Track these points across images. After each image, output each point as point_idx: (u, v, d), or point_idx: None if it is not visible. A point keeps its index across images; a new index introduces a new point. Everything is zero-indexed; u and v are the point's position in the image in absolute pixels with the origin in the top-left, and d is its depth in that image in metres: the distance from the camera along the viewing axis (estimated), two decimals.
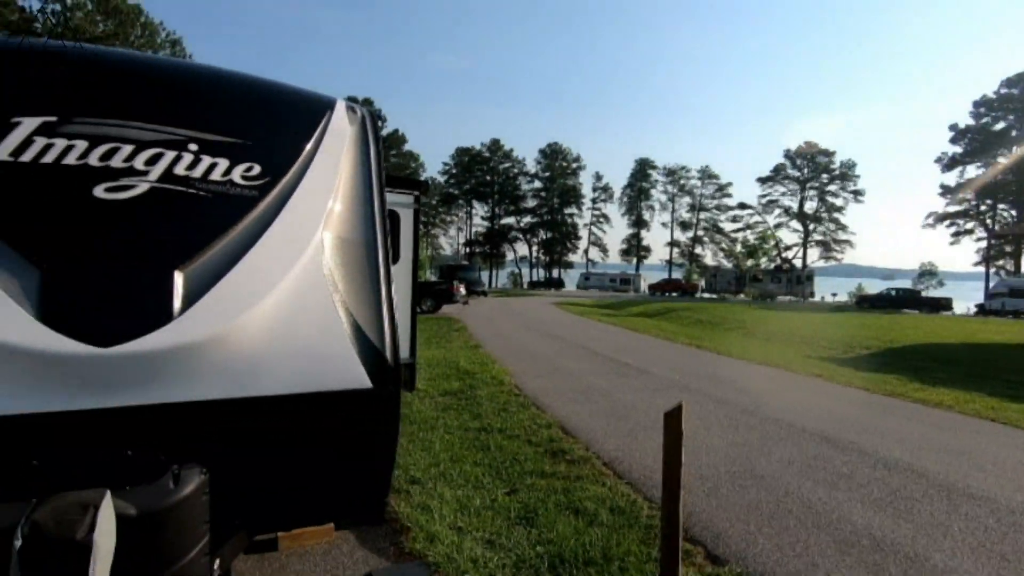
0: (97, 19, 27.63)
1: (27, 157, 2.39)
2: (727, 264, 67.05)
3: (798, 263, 67.92)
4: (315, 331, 2.69)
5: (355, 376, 2.73)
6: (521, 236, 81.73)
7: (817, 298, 54.93)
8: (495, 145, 78.95)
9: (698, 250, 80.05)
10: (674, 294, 58.09)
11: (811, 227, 71.47)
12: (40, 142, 2.42)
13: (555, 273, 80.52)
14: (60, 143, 2.45)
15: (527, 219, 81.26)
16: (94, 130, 2.53)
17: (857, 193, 70.17)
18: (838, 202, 70.89)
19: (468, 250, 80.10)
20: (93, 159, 2.47)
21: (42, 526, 1.63)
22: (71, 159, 2.44)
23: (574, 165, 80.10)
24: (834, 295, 55.95)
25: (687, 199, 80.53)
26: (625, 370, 10.20)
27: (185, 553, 2.06)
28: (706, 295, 57.89)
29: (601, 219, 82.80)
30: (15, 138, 2.39)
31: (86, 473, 2.00)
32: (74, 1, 26.66)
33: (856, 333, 18.54)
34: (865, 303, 41.81)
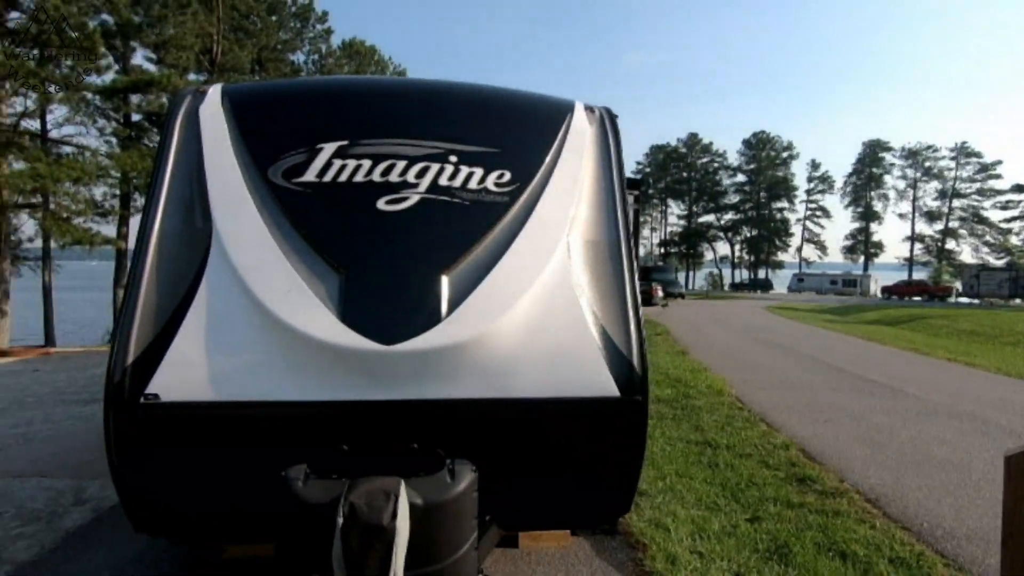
0: (343, 62, 32.86)
1: (328, 177, 2.74)
2: (995, 262, 54.13)
3: None
4: (563, 336, 2.65)
5: (603, 384, 2.62)
6: (721, 234, 76.24)
7: None
8: (692, 139, 74.91)
9: (950, 245, 66.06)
10: (917, 298, 48.54)
11: None
12: (337, 163, 2.77)
13: (761, 274, 73.41)
14: (351, 163, 2.77)
15: (728, 216, 75.31)
16: (375, 150, 2.82)
17: None
18: None
19: (663, 251, 77.35)
20: (376, 175, 2.75)
21: (357, 509, 1.81)
22: (360, 176, 2.75)
23: (784, 155, 72.09)
24: None
25: (934, 184, 66.86)
26: (871, 388, 8.68)
27: (459, 545, 2.16)
28: (963, 300, 47.33)
29: (818, 213, 73.17)
30: (320, 161, 2.77)
31: (382, 461, 2.20)
32: (328, 49, 32.06)
33: None
34: None
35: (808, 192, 72.94)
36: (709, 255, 77.58)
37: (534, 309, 2.64)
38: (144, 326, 2.50)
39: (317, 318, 2.45)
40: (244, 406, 2.44)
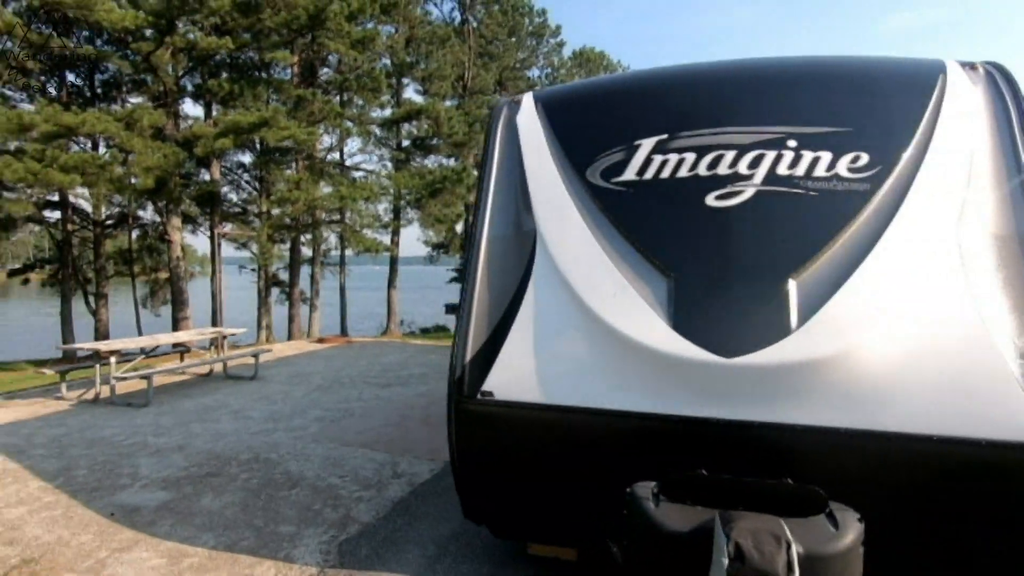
0: (574, 71, 33.89)
1: (648, 174, 2.58)
2: None
3: None
4: (958, 359, 2.05)
5: (1021, 424, 1.96)
6: None
7: None
8: None
9: None
10: None
11: None
12: (657, 159, 2.59)
13: None
14: (673, 158, 2.56)
15: None
16: (699, 141, 2.56)
17: None
18: None
19: None
20: (702, 169, 2.50)
21: (744, 551, 1.57)
22: (683, 171, 2.52)
23: None
24: None
25: None
26: None
27: None
28: None
29: None
30: (638, 158, 2.62)
31: (745, 493, 1.94)
32: (560, 61, 33.41)
33: None
34: None
35: None
36: None
37: (914, 323, 2.11)
38: (479, 326, 2.64)
39: (647, 324, 2.30)
40: (570, 411, 2.40)
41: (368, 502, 4.03)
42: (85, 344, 7.15)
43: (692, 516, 1.81)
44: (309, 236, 20.24)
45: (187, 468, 4.63)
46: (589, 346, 2.41)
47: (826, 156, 2.39)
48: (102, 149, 16.71)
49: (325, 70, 20.69)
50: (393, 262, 23.50)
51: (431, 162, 24.47)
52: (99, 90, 18.48)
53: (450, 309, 10.54)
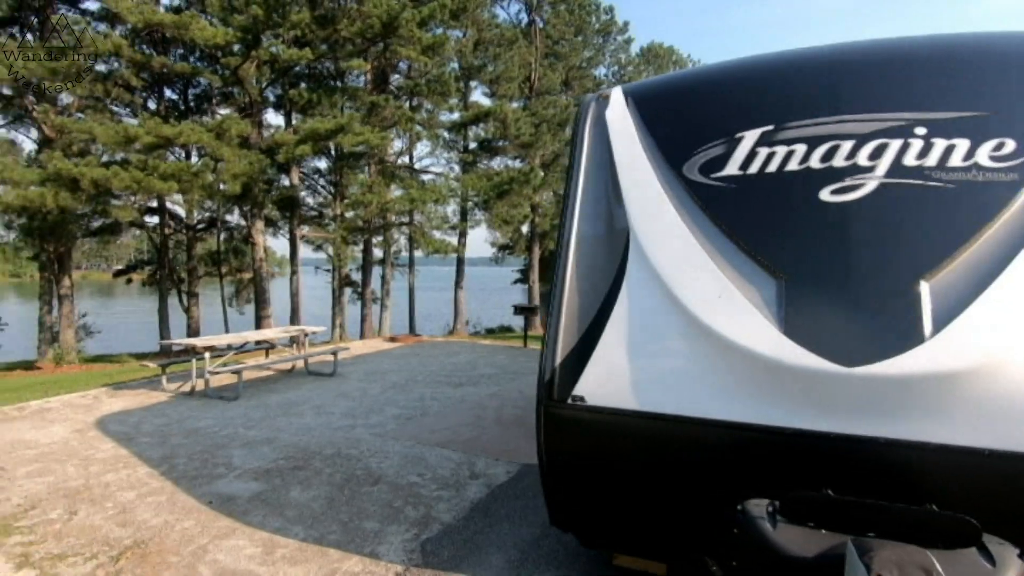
0: (642, 68, 33.18)
1: (753, 168, 2.41)
2: None
3: None
4: None
5: None
6: None
7: None
8: None
9: None
10: None
11: None
12: (763, 152, 2.41)
13: None
14: (780, 150, 2.38)
15: None
16: (809, 131, 2.37)
17: None
18: None
19: None
20: (814, 161, 2.31)
21: None
22: (793, 164, 2.34)
23: None
24: None
25: None
26: None
27: None
28: None
29: None
30: (741, 151, 2.45)
31: (878, 517, 1.76)
32: (627, 59, 32.81)
33: None
34: None
35: None
36: None
37: None
38: (569, 328, 2.56)
39: (754, 329, 2.14)
40: (668, 420, 2.28)
41: (448, 502, 4.04)
42: (181, 340, 7.67)
43: (818, 541, 1.65)
44: (380, 238, 20.90)
45: (275, 460, 4.83)
46: (689, 351, 2.28)
47: (963, 144, 2.14)
48: (195, 158, 17.97)
49: (396, 76, 21.30)
50: (460, 263, 23.84)
51: (497, 164, 24.68)
52: (192, 103, 19.88)
53: (519, 310, 10.58)
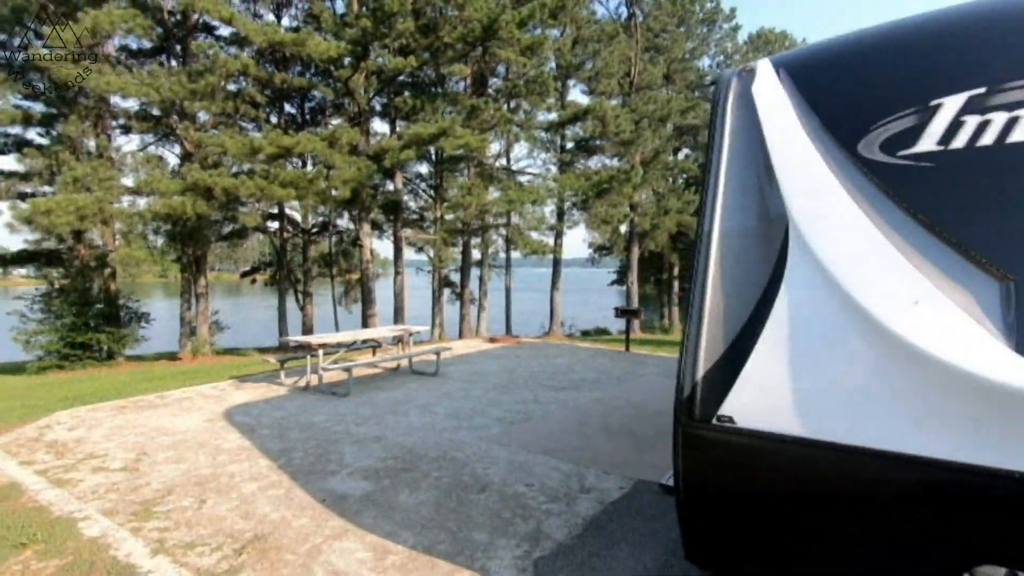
0: (750, 56, 31.13)
1: (959, 142, 1.93)
2: None
3: None
4: None
5: None
6: None
7: None
8: None
9: None
10: None
11: None
12: (971, 122, 1.92)
13: None
14: (997, 118, 1.88)
15: None
16: None
17: None
18: None
19: None
20: None
21: None
22: (1018, 135, 1.84)
23: None
24: None
25: None
26: None
27: None
28: None
29: None
30: (940, 122, 1.97)
31: None
32: (734, 47, 30.94)
33: None
34: None
35: None
36: None
37: None
38: (713, 336, 2.21)
39: (972, 344, 1.68)
40: (846, 451, 1.87)
41: (558, 516, 3.79)
42: (298, 337, 8.09)
43: None
44: (479, 239, 21.20)
45: (384, 460, 4.84)
46: (875, 368, 1.86)
47: None
48: (310, 166, 19.22)
49: (494, 80, 21.51)
50: (556, 264, 23.62)
51: (594, 163, 24.18)
52: (308, 116, 21.31)
53: (621, 312, 10.08)
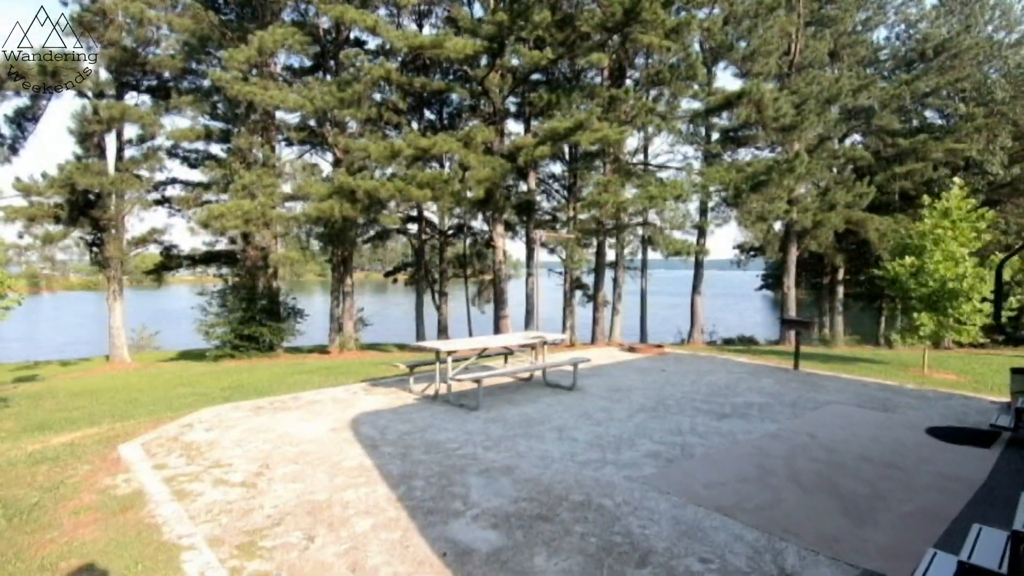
0: (940, 23, 26.19)
1: None
2: None
3: None
4: None
5: None
6: None
7: None
8: None
9: None
10: None
11: None
12: None
13: None
14: None
15: None
16: None
17: None
18: None
19: None
20: None
21: None
22: None
23: None
24: None
25: None
26: None
27: None
28: None
29: None
30: None
31: None
32: (920, 13, 26.27)
33: None
34: None
35: None
36: None
37: None
38: None
39: None
40: None
41: None
42: (429, 343, 7.69)
43: None
44: (614, 240, 19.97)
45: (516, 500, 4.03)
46: None
47: None
48: (446, 168, 19.42)
49: (631, 72, 20.16)
50: (698, 266, 21.59)
51: (743, 154, 21.73)
52: (446, 120, 21.66)
53: (790, 324, 8.31)
